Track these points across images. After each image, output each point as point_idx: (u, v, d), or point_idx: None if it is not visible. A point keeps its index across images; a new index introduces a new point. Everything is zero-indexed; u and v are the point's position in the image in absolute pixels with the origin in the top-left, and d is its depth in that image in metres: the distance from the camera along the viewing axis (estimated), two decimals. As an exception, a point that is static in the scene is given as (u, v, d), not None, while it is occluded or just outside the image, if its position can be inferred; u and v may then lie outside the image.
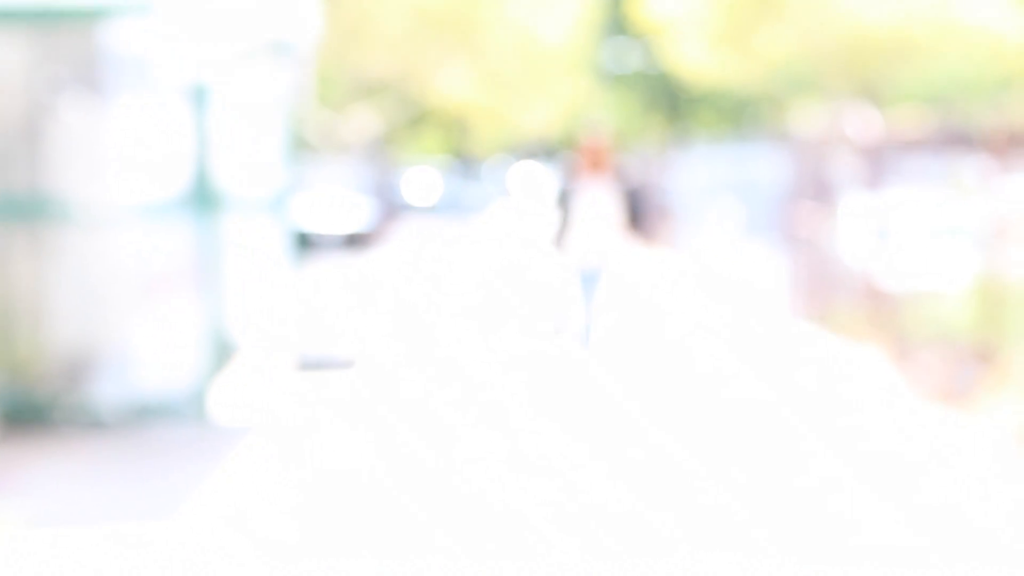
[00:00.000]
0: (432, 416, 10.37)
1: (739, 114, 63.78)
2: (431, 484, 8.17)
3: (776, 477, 8.37)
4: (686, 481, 8.27)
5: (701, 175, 24.27)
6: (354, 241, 12.39)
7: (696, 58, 33.64)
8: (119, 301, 9.74)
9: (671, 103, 70.56)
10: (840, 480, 8.28)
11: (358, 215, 12.61)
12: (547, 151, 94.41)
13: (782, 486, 8.13)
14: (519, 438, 9.49)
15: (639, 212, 9.46)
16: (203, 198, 8.79)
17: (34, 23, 9.35)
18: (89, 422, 9.23)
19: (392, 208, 39.33)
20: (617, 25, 67.15)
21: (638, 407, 10.39)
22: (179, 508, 7.70)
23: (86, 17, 9.12)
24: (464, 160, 77.61)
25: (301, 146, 51.62)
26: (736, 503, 7.73)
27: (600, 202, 9.24)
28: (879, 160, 12.79)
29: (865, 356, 12.85)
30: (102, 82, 9.62)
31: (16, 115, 9.69)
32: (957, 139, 10.94)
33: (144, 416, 9.20)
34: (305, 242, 12.25)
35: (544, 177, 79.77)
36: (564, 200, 9.28)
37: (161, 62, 8.61)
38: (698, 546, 6.93)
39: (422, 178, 54.24)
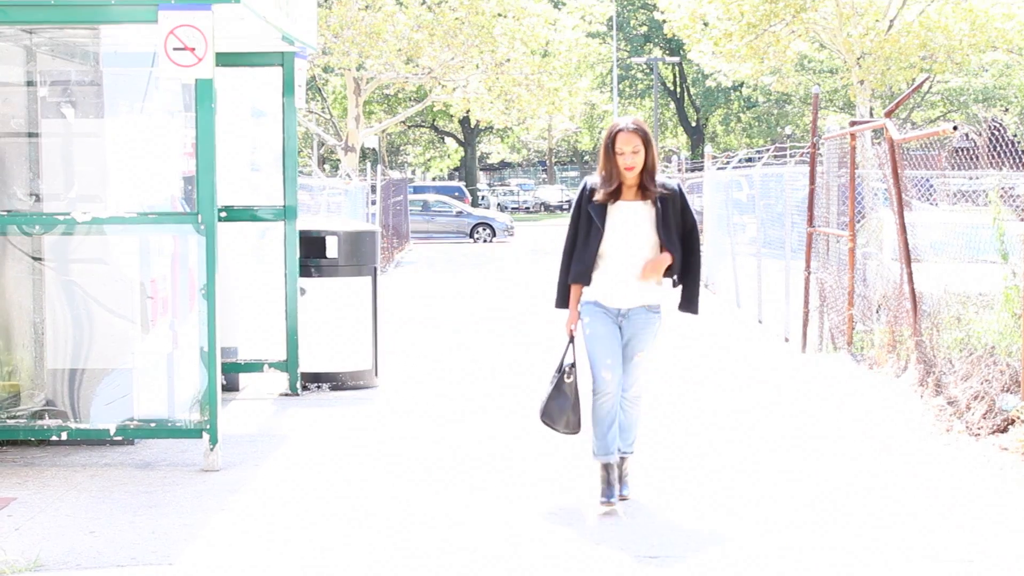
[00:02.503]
0: (442, 426, 10.57)
1: (765, 126, 63.91)
2: (438, 489, 8.39)
3: (782, 485, 8.57)
4: (688, 482, 8.48)
5: (726, 188, 24.44)
6: (361, 252, 12.58)
7: (720, 67, 33.85)
8: (119, 312, 9.81)
9: (694, 115, 70.68)
10: (845, 486, 8.48)
11: (365, 227, 12.80)
12: (566, 163, 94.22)
13: (786, 493, 8.33)
14: (528, 447, 9.70)
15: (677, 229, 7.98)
16: (206, 206, 8.95)
17: (36, 25, 9.51)
18: (88, 438, 9.30)
19: (401, 221, 39.52)
20: (639, 34, 67.31)
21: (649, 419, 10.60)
22: (181, 527, 7.87)
23: (89, 20, 9.26)
24: (477, 174, 77.70)
25: (305, 157, 51.46)
26: (739, 507, 7.96)
27: (635, 219, 8.25)
28: (910, 171, 12.92)
29: (889, 377, 13.02)
30: (103, 86, 9.78)
31: (16, 119, 9.86)
32: (991, 149, 11.08)
33: (145, 431, 9.25)
34: (310, 252, 12.43)
35: (564, 191, 79.66)
36: (590, 217, 8.21)
37: (163, 66, 8.79)
38: (698, 546, 7.16)
39: (433, 192, 54.45)
